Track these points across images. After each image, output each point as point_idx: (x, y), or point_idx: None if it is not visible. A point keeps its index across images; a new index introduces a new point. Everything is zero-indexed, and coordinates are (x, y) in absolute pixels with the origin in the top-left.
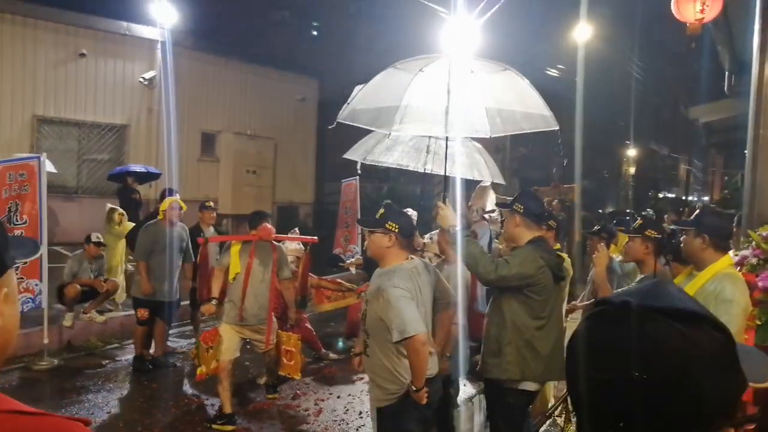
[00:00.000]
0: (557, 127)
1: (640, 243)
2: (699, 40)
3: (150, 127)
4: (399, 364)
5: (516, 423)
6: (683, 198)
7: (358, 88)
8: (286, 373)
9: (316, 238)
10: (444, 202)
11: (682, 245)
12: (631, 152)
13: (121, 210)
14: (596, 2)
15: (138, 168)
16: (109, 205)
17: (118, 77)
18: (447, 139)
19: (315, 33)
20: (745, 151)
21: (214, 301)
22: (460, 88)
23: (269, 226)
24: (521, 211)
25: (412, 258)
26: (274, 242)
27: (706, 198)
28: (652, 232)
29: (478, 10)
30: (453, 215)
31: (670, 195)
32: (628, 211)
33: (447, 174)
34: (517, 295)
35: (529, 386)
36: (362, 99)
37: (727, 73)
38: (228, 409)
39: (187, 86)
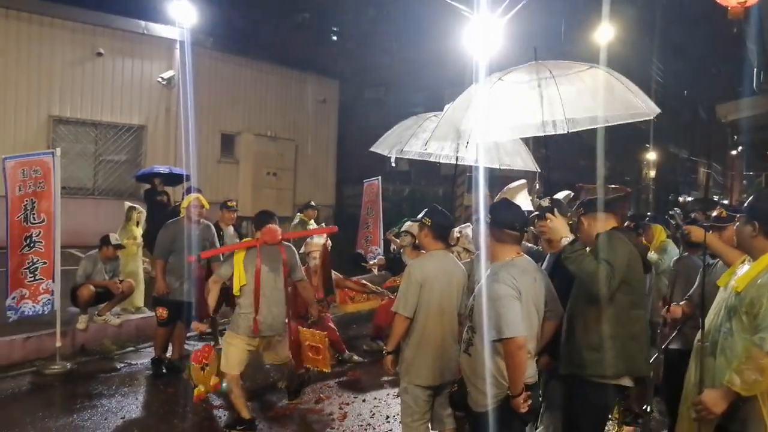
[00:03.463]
0: (650, 116)
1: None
2: (723, 40)
3: (168, 128)
4: (503, 367)
5: (603, 424)
6: (710, 198)
7: (447, 106)
8: (314, 365)
9: (335, 227)
10: (553, 213)
11: (735, 233)
12: (651, 156)
13: (140, 209)
14: (617, 4)
15: (163, 169)
16: (128, 204)
17: (136, 77)
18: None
19: (335, 34)
20: None
21: (206, 320)
22: (535, 93)
23: (274, 226)
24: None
25: (522, 254)
26: (283, 244)
27: (725, 201)
28: None
29: (501, 10)
30: (564, 227)
31: (689, 198)
32: (648, 214)
33: (477, 164)
34: (619, 284)
35: (627, 381)
36: (450, 115)
37: (755, 69)
38: (246, 415)
39: (206, 87)
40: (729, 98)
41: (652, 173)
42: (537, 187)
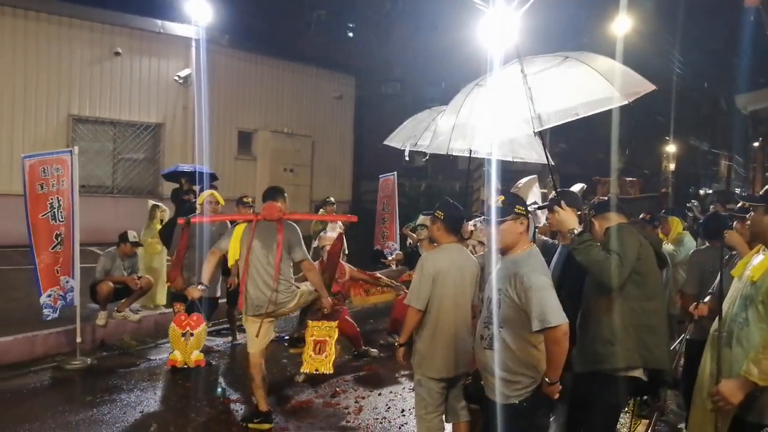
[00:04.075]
0: (625, 102)
1: None
2: (742, 29)
3: (185, 126)
4: (534, 356)
5: (615, 420)
6: (729, 191)
7: (438, 117)
8: (314, 369)
9: (355, 217)
10: (560, 205)
11: (749, 223)
12: (671, 148)
13: (163, 207)
14: None
15: (187, 167)
16: (152, 202)
17: (153, 75)
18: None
19: (351, 30)
20: None
21: (201, 286)
22: (508, 96)
23: (275, 203)
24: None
25: (533, 243)
26: (283, 221)
27: (746, 194)
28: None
29: (517, 2)
30: (572, 218)
31: (709, 191)
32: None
33: (491, 157)
34: (629, 275)
35: (640, 374)
36: (441, 124)
37: None
38: (264, 407)
39: (222, 84)
40: (749, 89)
41: (672, 166)
42: (550, 180)
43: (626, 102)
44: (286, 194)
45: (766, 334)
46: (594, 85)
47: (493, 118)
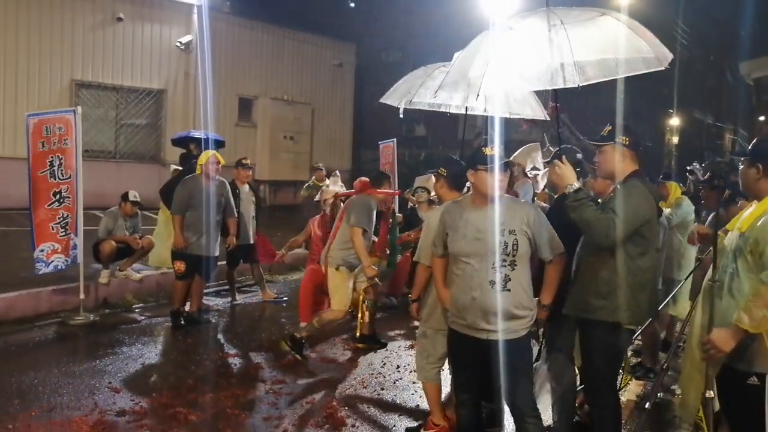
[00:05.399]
0: (662, 66)
1: None
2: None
3: (187, 92)
4: (530, 289)
5: (619, 362)
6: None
7: (456, 54)
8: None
9: (399, 191)
10: (561, 160)
11: (740, 176)
12: (675, 121)
13: None
14: None
15: (198, 134)
16: (174, 166)
17: (155, 41)
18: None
19: None
20: None
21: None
22: (544, 43)
23: (364, 179)
24: (627, 143)
25: None
26: (359, 195)
27: None
28: None
29: None
30: (571, 173)
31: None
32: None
33: (487, 113)
34: (630, 236)
35: (632, 326)
36: (459, 64)
37: None
38: (366, 331)
39: (223, 51)
40: (753, 55)
41: (675, 139)
42: (547, 150)
43: (663, 66)
44: (390, 179)
45: (755, 283)
46: (636, 45)
47: (529, 63)
